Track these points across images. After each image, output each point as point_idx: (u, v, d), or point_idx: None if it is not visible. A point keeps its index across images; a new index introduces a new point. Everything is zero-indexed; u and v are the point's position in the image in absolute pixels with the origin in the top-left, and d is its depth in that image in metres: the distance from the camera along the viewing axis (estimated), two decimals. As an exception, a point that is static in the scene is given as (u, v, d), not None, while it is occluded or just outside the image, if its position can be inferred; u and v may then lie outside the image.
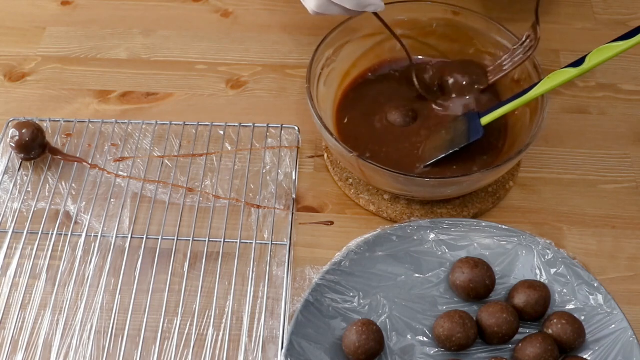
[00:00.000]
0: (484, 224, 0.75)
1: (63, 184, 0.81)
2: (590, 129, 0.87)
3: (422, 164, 0.78)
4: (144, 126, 0.85)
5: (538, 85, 0.75)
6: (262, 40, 0.96)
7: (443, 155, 0.77)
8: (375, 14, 0.79)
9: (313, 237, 0.78)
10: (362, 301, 0.71)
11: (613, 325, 0.68)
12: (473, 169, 0.78)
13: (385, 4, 0.84)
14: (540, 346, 0.66)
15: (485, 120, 0.78)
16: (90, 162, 0.82)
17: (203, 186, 0.81)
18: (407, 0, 0.84)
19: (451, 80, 0.83)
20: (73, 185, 0.81)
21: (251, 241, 0.76)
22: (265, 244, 0.76)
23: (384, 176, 0.74)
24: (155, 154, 0.83)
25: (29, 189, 0.80)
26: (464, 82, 0.82)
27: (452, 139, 0.79)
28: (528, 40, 0.79)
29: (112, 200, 0.79)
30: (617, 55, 0.71)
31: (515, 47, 0.81)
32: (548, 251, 0.73)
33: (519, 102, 0.76)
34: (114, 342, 0.70)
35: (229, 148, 0.84)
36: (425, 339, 0.70)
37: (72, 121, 0.86)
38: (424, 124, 0.82)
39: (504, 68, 0.81)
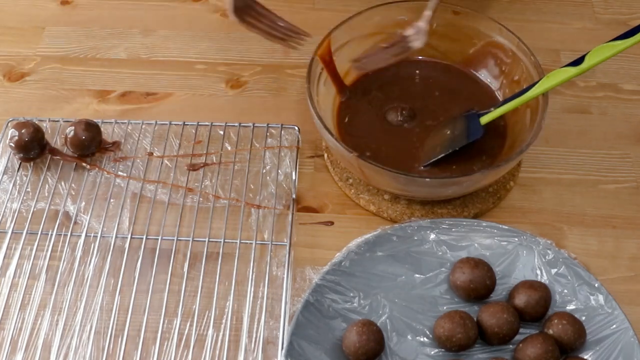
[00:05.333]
0: (484, 224, 0.74)
1: (62, 184, 0.81)
2: (591, 128, 0.87)
3: (422, 164, 0.78)
4: (143, 126, 0.85)
5: (537, 85, 0.75)
6: (262, 40, 0.96)
7: (442, 155, 0.77)
8: None
9: (313, 237, 0.78)
10: (362, 301, 0.71)
11: (614, 326, 0.68)
12: (473, 169, 0.78)
13: (385, 4, 0.84)
14: (540, 346, 0.66)
15: (485, 119, 0.78)
16: (89, 162, 0.82)
17: (203, 186, 0.80)
18: (407, 0, 0.84)
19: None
20: (72, 185, 0.81)
21: (251, 241, 0.76)
22: (265, 244, 0.76)
23: (384, 176, 0.74)
24: (155, 154, 0.83)
25: (29, 189, 0.80)
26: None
27: (452, 138, 0.79)
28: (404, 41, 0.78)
29: (111, 200, 0.79)
30: (616, 54, 0.71)
31: (386, 46, 0.81)
32: (549, 251, 0.73)
33: (518, 101, 0.76)
34: (113, 343, 0.70)
35: (229, 148, 0.84)
36: (425, 339, 0.70)
37: (72, 121, 0.85)
38: (424, 123, 0.82)
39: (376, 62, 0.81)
